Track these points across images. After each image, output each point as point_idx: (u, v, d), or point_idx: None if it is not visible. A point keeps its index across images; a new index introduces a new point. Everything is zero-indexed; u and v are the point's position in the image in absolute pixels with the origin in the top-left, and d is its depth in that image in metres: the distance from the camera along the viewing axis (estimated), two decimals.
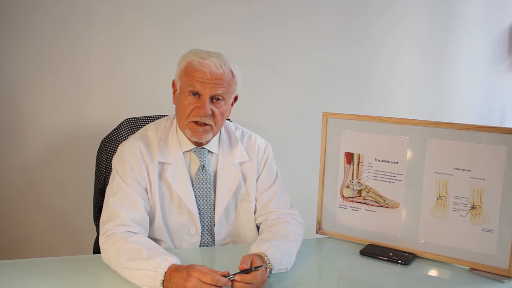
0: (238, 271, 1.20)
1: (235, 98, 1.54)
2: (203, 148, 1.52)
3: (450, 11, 2.83)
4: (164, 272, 1.19)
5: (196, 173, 1.51)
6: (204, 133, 1.45)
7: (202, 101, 1.42)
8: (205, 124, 1.44)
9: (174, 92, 1.52)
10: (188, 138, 1.50)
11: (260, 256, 1.30)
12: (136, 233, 1.37)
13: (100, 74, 2.14)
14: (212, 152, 1.54)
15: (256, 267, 1.21)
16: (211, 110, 1.43)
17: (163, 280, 1.19)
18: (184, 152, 1.51)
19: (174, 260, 1.23)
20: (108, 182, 1.49)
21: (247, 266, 1.21)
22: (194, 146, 1.51)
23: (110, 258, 1.30)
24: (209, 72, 1.40)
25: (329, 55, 2.53)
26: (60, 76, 2.09)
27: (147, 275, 1.20)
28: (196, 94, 1.42)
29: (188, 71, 1.43)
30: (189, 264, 1.21)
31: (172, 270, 1.20)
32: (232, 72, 1.45)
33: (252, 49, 2.37)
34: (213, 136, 1.52)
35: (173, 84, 1.52)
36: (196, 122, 1.44)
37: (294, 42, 2.44)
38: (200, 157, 1.51)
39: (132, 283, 1.24)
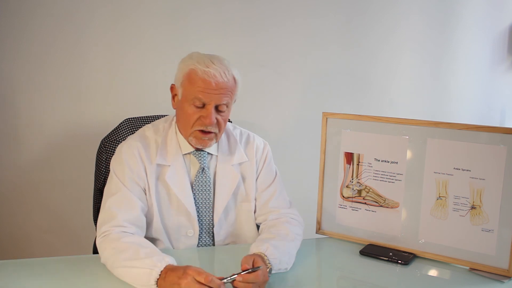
0: (240, 271, 1.21)
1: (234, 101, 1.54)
2: (202, 150, 1.52)
3: (450, 11, 2.83)
4: (160, 271, 1.20)
5: (196, 175, 1.51)
6: (209, 141, 1.46)
7: (208, 111, 1.41)
8: (210, 132, 1.44)
9: (173, 97, 1.51)
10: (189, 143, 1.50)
11: (260, 256, 1.30)
12: (132, 234, 1.37)
13: (100, 74, 2.13)
14: (211, 154, 1.54)
15: (255, 268, 1.21)
16: (215, 118, 1.43)
17: (158, 279, 1.19)
18: (183, 155, 1.51)
19: (170, 261, 1.23)
20: None
21: (249, 266, 1.22)
22: (194, 149, 1.51)
23: (107, 258, 1.30)
24: (215, 82, 1.39)
25: (329, 56, 2.53)
26: (60, 76, 2.09)
27: (142, 272, 1.20)
28: (201, 104, 1.42)
29: (192, 80, 1.41)
30: (186, 265, 1.21)
31: (168, 270, 1.20)
32: (234, 78, 1.45)
33: (253, 49, 2.37)
34: (216, 142, 1.52)
35: (172, 88, 1.50)
36: (201, 131, 1.44)
37: (295, 42, 2.44)
38: (200, 159, 1.51)
39: (132, 284, 1.24)
